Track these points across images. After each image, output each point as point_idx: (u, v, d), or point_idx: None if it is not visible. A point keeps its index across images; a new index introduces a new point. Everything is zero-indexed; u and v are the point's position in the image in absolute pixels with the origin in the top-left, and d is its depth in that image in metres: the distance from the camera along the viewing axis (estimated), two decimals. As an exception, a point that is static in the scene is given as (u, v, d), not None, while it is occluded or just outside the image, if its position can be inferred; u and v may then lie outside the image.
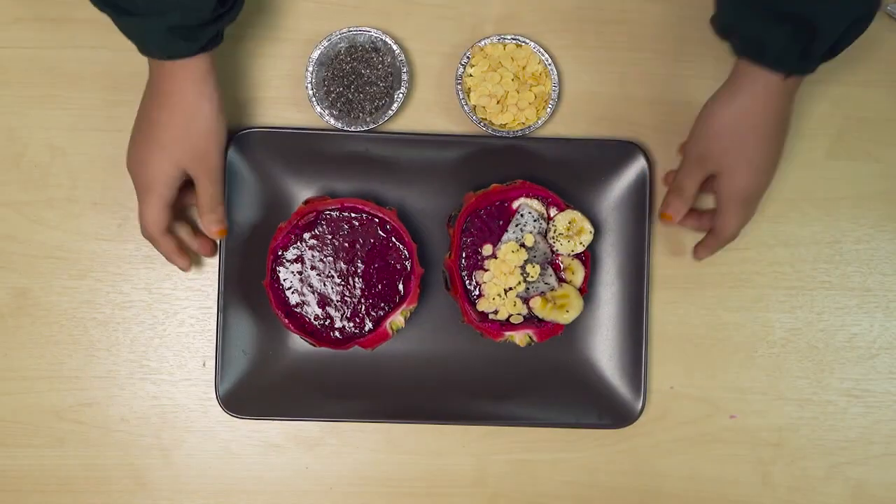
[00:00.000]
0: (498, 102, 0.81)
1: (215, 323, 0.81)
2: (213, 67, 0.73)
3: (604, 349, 0.83)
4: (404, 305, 0.78)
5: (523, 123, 0.82)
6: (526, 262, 0.78)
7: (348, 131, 0.81)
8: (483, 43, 0.82)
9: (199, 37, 0.70)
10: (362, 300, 0.78)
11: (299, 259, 0.78)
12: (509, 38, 0.82)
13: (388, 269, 0.78)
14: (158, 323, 0.83)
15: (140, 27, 0.69)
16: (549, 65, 0.82)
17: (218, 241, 0.81)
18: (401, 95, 0.81)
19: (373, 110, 0.81)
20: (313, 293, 0.78)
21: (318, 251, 0.78)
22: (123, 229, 0.83)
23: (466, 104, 0.81)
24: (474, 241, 0.79)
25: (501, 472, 0.84)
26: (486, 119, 0.82)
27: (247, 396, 0.81)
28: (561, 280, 0.79)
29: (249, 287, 0.81)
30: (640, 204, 0.82)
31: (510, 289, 0.78)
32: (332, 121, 0.81)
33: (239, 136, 0.80)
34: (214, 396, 0.81)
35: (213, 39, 0.72)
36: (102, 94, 0.82)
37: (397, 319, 0.78)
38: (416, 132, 0.83)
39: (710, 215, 0.80)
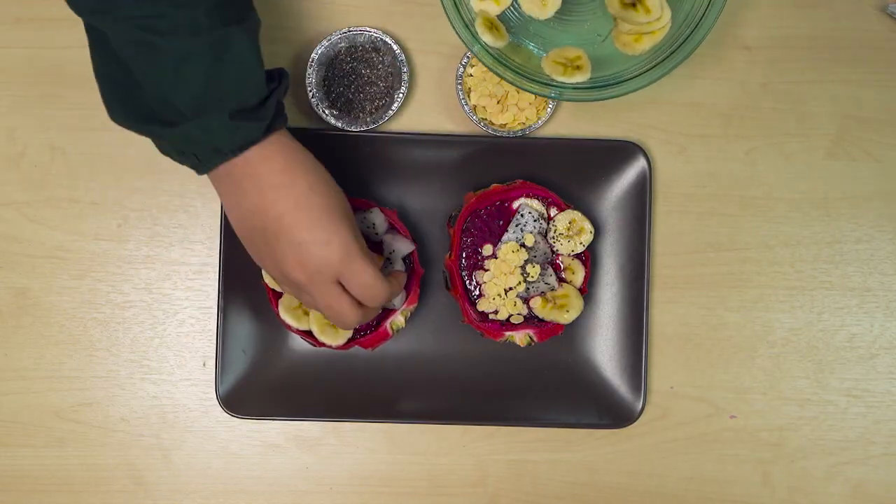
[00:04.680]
0: (498, 102, 0.81)
1: (215, 323, 0.81)
2: (292, 137, 0.67)
3: (604, 349, 0.83)
4: (404, 305, 0.78)
5: (523, 123, 0.82)
6: (526, 262, 0.78)
7: (348, 131, 0.81)
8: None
9: (263, 114, 0.64)
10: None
11: (299, 259, 0.78)
12: (509, 38, 0.82)
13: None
14: (158, 323, 0.83)
15: (199, 127, 0.62)
16: (549, 65, 0.82)
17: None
18: (401, 95, 0.81)
19: (373, 110, 0.81)
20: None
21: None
22: (123, 229, 0.83)
23: (466, 104, 0.81)
24: (474, 241, 0.79)
25: (501, 472, 0.84)
26: (486, 119, 0.82)
27: (247, 396, 0.81)
28: (561, 280, 0.79)
29: (249, 287, 0.81)
30: (640, 204, 0.82)
31: (510, 289, 0.78)
32: (332, 121, 0.81)
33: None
34: (214, 396, 0.81)
35: (279, 115, 0.66)
36: (102, 94, 0.82)
37: (398, 319, 0.78)
38: (416, 132, 0.83)
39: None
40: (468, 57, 0.81)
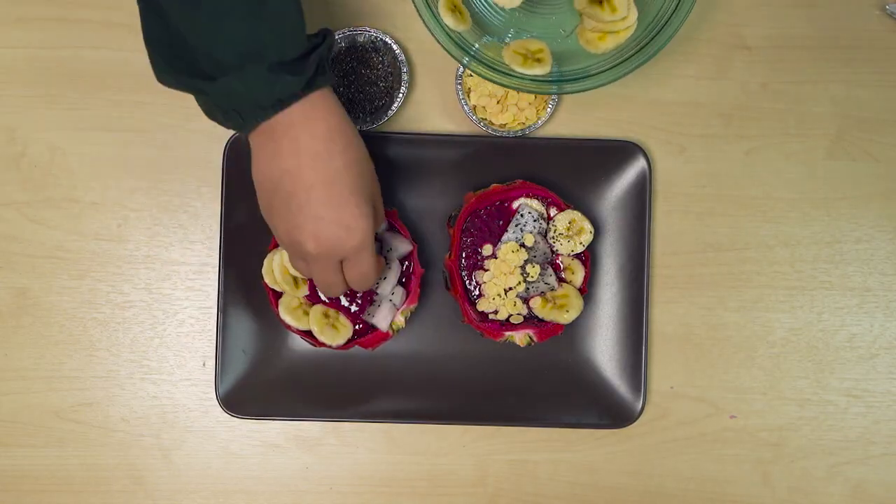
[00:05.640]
0: (498, 102, 0.81)
1: (215, 323, 0.81)
2: (338, 102, 0.66)
3: (604, 349, 0.83)
4: (405, 305, 0.78)
5: (523, 123, 0.82)
6: (526, 262, 0.78)
7: (348, 131, 0.81)
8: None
9: (304, 68, 0.63)
10: (362, 300, 0.78)
11: (299, 259, 0.78)
12: (509, 38, 0.82)
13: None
14: (158, 323, 0.83)
15: (238, 82, 0.62)
16: (549, 65, 0.82)
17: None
18: (401, 95, 0.81)
19: (373, 110, 0.81)
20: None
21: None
22: (123, 229, 0.83)
23: (466, 104, 0.81)
24: (474, 241, 0.79)
25: (501, 472, 0.84)
26: (486, 119, 0.82)
27: (247, 396, 0.81)
28: (561, 280, 0.79)
29: (249, 287, 0.81)
30: (640, 204, 0.82)
31: (510, 289, 0.78)
32: (332, 121, 0.81)
33: (239, 136, 0.80)
34: (214, 396, 0.81)
35: (319, 71, 0.64)
36: (102, 94, 0.82)
37: (398, 319, 0.78)
38: (416, 132, 0.83)
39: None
40: (468, 57, 0.81)
